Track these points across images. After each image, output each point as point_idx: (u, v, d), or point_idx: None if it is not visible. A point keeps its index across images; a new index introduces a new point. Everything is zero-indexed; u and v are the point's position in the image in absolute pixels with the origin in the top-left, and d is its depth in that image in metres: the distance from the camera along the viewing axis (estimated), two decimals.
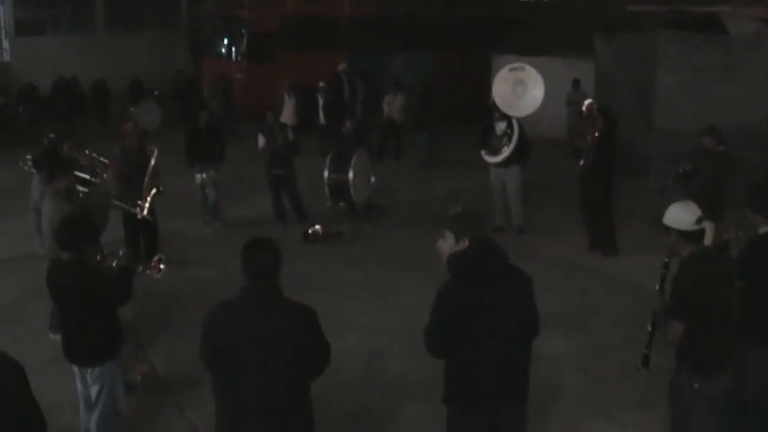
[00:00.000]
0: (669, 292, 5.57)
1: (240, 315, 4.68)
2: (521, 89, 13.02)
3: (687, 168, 10.06)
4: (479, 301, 4.79)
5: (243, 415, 4.73)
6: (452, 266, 4.88)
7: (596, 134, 11.44)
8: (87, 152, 10.77)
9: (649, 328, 5.90)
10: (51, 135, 11.27)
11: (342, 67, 21.88)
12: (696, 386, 5.56)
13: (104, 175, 10.60)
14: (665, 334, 5.56)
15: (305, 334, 4.65)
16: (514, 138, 12.67)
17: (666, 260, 5.87)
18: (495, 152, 12.86)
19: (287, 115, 18.83)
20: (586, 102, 12.34)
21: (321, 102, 19.97)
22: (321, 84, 20.19)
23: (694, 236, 5.50)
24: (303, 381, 4.78)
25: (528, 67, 13.24)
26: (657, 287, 5.86)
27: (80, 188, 9.26)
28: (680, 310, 5.44)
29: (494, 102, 13.22)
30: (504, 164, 12.92)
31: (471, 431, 5.10)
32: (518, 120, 12.84)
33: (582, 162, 11.75)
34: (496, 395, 4.98)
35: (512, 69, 13.28)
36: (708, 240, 7.44)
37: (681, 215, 5.51)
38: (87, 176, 9.76)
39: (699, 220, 5.48)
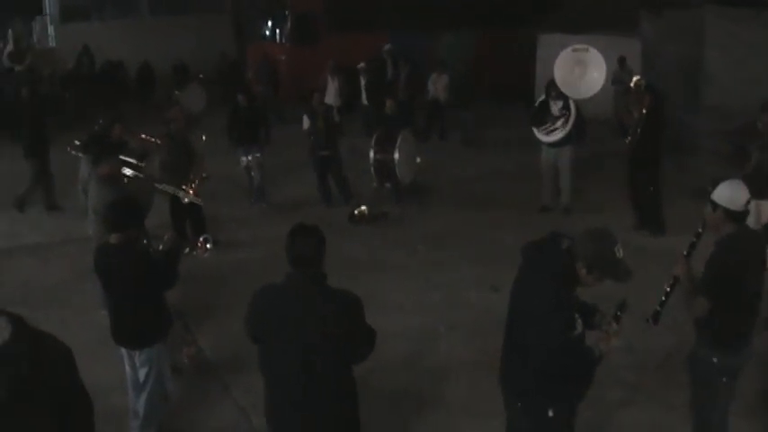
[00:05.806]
0: (704, 268, 5.47)
1: (280, 300, 4.68)
2: (581, 70, 12.88)
3: (749, 173, 9.58)
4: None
5: (284, 398, 4.74)
6: None
7: (644, 111, 11.31)
8: (143, 136, 10.91)
9: (667, 289, 5.83)
10: (100, 120, 11.35)
11: (387, 47, 21.83)
12: (715, 360, 5.55)
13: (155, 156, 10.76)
14: (690, 306, 5.51)
15: (343, 321, 4.58)
16: (572, 119, 12.56)
17: (700, 230, 5.75)
18: (549, 131, 12.77)
19: (330, 96, 18.86)
20: (635, 78, 12.14)
21: (363, 82, 19.92)
22: (361, 64, 20.13)
23: (740, 216, 5.43)
24: (342, 367, 4.73)
25: (592, 49, 13.05)
26: (685, 252, 5.74)
27: (127, 171, 9.36)
28: (710, 289, 5.38)
29: (551, 80, 13.05)
30: (558, 143, 12.82)
31: None
32: (575, 100, 12.72)
33: (629, 140, 11.61)
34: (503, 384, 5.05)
35: (575, 50, 13.12)
36: (762, 220, 7.31)
37: (732, 195, 5.40)
38: (134, 161, 9.84)
39: (747, 203, 5.41)
